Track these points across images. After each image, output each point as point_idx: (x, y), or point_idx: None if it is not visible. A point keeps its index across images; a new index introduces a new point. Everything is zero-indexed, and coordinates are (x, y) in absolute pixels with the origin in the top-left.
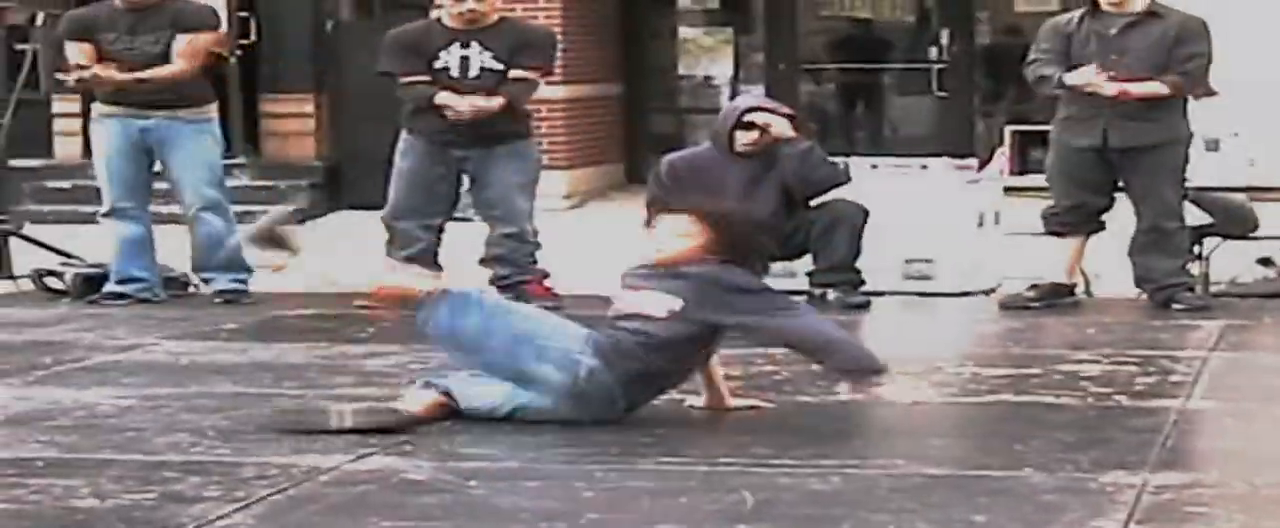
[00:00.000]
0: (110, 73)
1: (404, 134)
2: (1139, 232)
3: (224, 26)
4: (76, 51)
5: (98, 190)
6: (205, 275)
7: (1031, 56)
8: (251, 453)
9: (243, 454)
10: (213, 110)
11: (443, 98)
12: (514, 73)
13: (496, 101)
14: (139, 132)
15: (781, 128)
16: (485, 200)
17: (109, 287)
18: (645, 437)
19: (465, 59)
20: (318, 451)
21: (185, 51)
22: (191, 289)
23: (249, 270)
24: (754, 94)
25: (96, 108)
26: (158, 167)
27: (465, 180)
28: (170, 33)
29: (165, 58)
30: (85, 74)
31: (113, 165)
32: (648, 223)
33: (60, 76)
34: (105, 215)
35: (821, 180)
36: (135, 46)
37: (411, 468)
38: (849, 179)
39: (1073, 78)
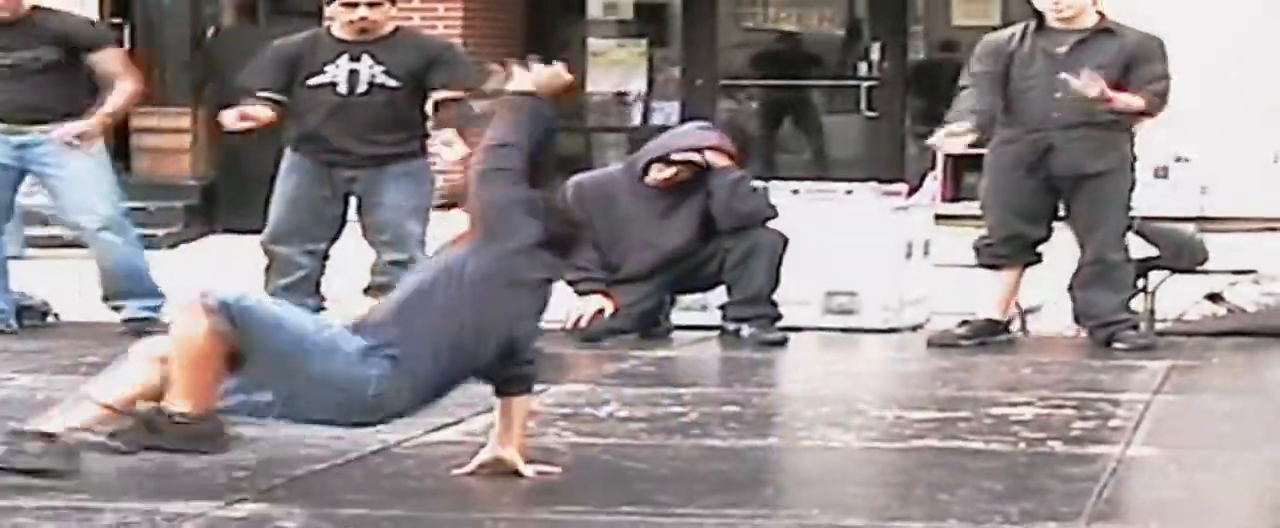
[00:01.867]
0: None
1: (288, 152)
2: (1082, 264)
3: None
4: None
5: None
6: (115, 304)
7: (962, 81)
8: (112, 498)
9: (102, 499)
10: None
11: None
12: (440, 95)
13: (458, 151)
14: (16, 148)
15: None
16: (374, 224)
17: None
18: (538, 482)
19: (354, 73)
20: (182, 496)
21: (119, 67)
22: (50, 319)
23: (161, 296)
24: (700, 126)
25: None
26: (27, 191)
27: (353, 203)
28: (55, 48)
29: (47, 71)
30: None
31: None
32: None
33: None
34: None
35: (749, 213)
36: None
37: (283, 516)
38: (776, 214)
39: (944, 139)
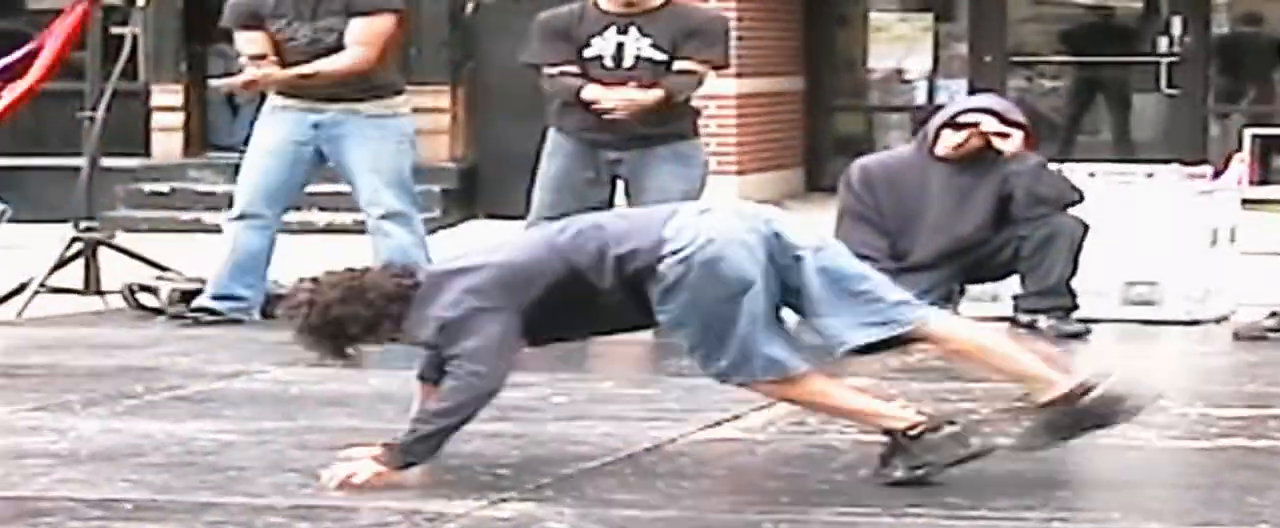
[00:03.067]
0: (277, 73)
1: (551, 132)
2: None
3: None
4: (248, 42)
5: (201, 194)
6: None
7: None
8: (369, 497)
9: (359, 498)
10: (402, 104)
11: (590, 92)
12: (679, 64)
13: (653, 95)
14: (311, 127)
15: (991, 126)
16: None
17: (202, 300)
18: (820, 482)
19: (621, 46)
20: (444, 495)
21: (362, 38)
22: None
23: None
24: (988, 96)
25: (271, 99)
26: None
27: (620, 186)
28: (343, 18)
29: (339, 46)
30: (258, 72)
31: (262, 165)
32: (837, 234)
33: (216, 83)
34: (234, 219)
35: (1054, 197)
36: (310, 35)
37: (552, 517)
38: (1082, 197)
39: None
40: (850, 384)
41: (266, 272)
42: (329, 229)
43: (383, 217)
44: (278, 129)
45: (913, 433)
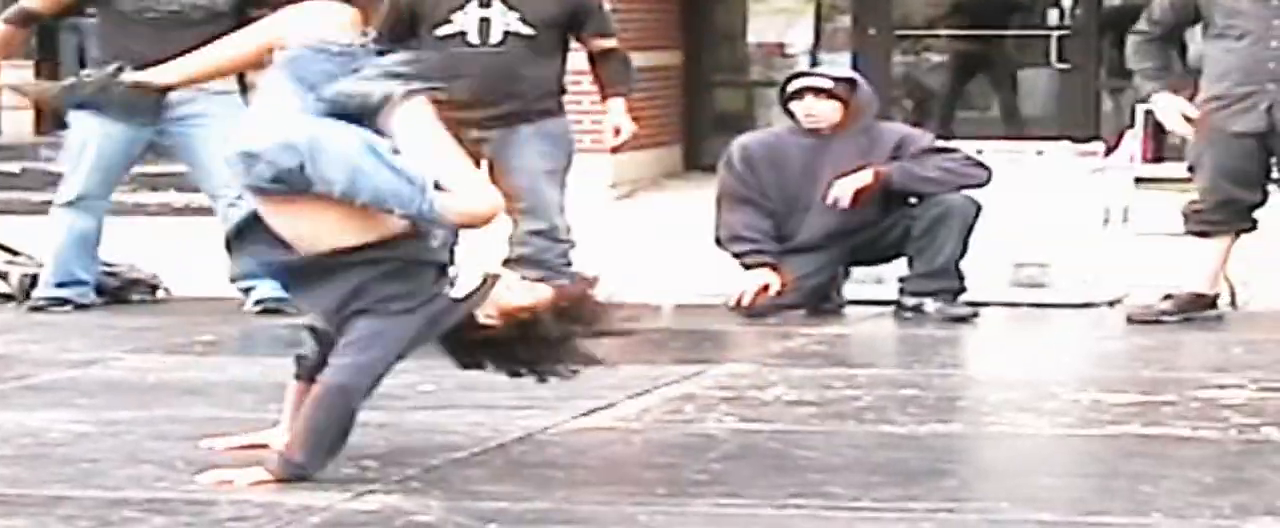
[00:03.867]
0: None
1: None
2: None
3: None
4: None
5: (53, 175)
6: (245, 285)
7: (1139, 25)
8: (228, 491)
9: (218, 492)
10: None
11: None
12: (598, 44)
13: (627, 121)
14: None
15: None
16: (509, 190)
17: (47, 290)
18: (698, 472)
19: (486, 21)
20: (307, 487)
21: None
22: (161, 293)
23: None
24: (834, 62)
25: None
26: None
27: (484, 167)
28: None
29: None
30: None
31: (99, 146)
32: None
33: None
34: (65, 204)
35: (936, 180)
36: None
37: (419, 509)
38: (986, 181)
39: (1162, 106)
40: None
41: (97, 253)
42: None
43: (236, 200)
44: None
45: None
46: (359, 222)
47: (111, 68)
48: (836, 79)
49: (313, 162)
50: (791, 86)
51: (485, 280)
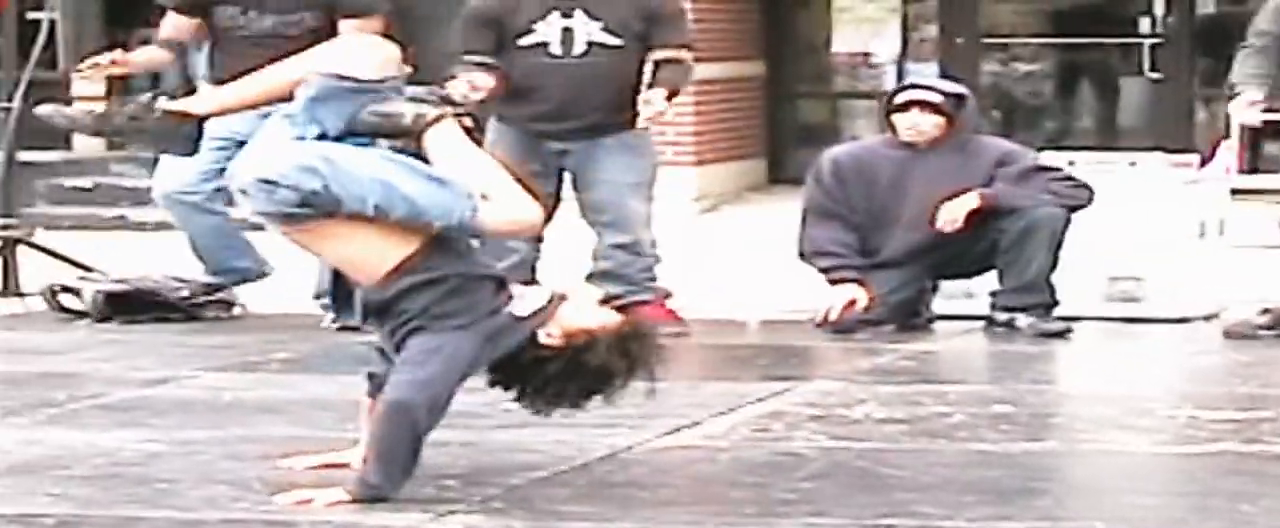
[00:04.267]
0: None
1: (493, 122)
2: None
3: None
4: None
5: (126, 190)
6: (327, 300)
7: (1249, 40)
8: (307, 512)
9: (295, 511)
10: None
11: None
12: (659, 54)
13: (661, 98)
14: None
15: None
16: (591, 203)
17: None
18: (786, 491)
19: (568, 31)
20: (387, 507)
21: None
22: (236, 309)
23: None
24: (921, 72)
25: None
26: None
27: (568, 179)
28: (316, 13)
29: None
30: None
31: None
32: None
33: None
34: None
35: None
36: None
37: None
38: (1088, 202)
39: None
40: None
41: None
42: None
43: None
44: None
45: None
46: (400, 235)
47: (146, 97)
48: (946, 94)
49: (336, 181)
50: (899, 98)
51: (551, 299)
